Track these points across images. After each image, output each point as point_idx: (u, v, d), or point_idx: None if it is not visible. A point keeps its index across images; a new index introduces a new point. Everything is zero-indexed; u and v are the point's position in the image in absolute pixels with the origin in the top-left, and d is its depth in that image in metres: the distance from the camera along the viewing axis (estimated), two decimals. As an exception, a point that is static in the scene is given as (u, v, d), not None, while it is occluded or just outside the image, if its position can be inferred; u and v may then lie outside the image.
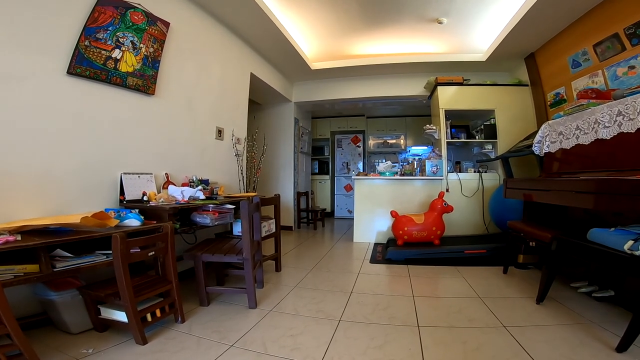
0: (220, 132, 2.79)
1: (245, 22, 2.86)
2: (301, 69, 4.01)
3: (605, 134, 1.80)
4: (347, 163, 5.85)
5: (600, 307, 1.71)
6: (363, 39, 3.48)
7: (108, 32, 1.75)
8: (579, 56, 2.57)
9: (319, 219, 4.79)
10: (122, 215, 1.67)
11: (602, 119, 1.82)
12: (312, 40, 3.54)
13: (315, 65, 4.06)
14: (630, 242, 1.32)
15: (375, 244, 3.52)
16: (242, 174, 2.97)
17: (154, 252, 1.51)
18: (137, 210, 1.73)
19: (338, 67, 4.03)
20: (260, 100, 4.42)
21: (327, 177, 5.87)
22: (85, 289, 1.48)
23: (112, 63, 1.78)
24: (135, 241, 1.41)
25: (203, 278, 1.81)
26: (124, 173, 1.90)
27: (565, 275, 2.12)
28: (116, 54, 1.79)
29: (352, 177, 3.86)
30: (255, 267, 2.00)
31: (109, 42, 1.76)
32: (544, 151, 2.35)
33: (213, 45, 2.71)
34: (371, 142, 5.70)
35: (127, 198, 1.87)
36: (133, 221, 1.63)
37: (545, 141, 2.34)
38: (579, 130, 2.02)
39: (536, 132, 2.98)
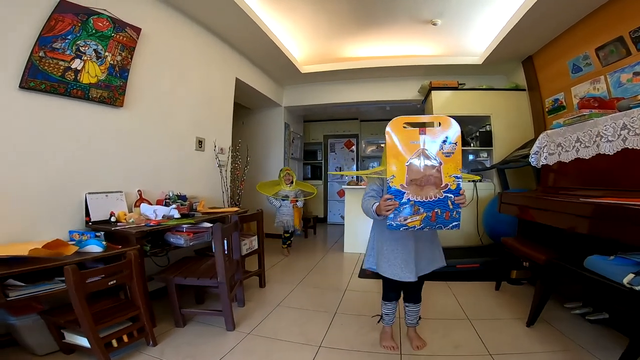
0: (200, 143, 2.65)
1: (228, 25, 2.72)
2: (291, 72, 3.86)
3: (608, 148, 1.66)
4: (341, 168, 5.72)
5: (593, 330, 1.63)
6: (355, 40, 3.34)
7: (67, 41, 1.60)
8: (580, 60, 2.43)
9: (311, 227, 4.67)
10: (85, 238, 1.58)
11: (605, 131, 1.68)
12: (302, 42, 3.40)
13: (305, 68, 3.91)
14: (631, 276, 1.21)
15: (367, 255, 3.40)
16: (225, 185, 2.83)
17: (115, 281, 1.41)
18: (102, 234, 1.62)
19: (329, 70, 3.89)
20: (249, 104, 4.28)
21: (320, 182, 5.74)
22: (46, 314, 1.40)
23: (72, 74, 1.63)
24: (91, 272, 1.32)
25: (177, 300, 1.73)
26: (89, 193, 1.76)
27: (559, 293, 2.01)
28: (76, 64, 1.65)
29: (343, 186, 3.73)
30: (234, 288, 1.93)
31: (68, 52, 1.61)
32: (541, 163, 2.22)
33: (192, 50, 2.56)
34: (365, 147, 5.57)
35: (92, 219, 1.75)
36: (94, 247, 1.51)
37: (543, 152, 2.20)
38: (579, 143, 1.88)
39: (533, 140, 2.86)
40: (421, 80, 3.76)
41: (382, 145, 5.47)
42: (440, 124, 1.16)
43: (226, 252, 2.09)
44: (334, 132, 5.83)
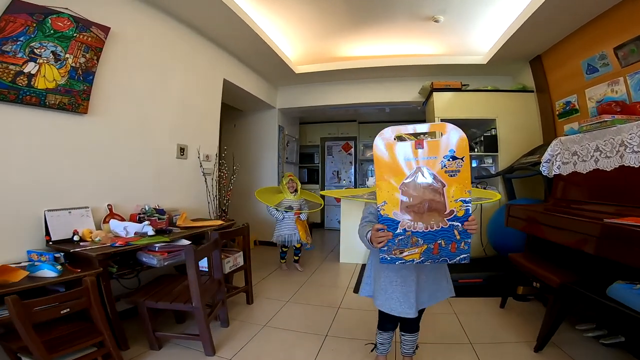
0: (182, 151, 2.45)
1: (213, 23, 2.53)
2: (284, 72, 3.67)
3: (634, 160, 1.47)
4: (338, 172, 5.53)
5: (608, 355, 1.49)
6: (351, 39, 3.15)
7: (19, 42, 1.42)
8: (596, 60, 2.22)
9: (307, 234, 4.47)
10: (43, 259, 1.43)
11: (630, 141, 1.48)
12: (295, 41, 3.21)
13: (299, 68, 3.72)
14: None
15: (363, 266, 3.21)
16: (211, 195, 2.64)
17: (68, 310, 1.29)
18: (62, 255, 1.47)
19: (325, 70, 3.68)
20: (241, 106, 4.09)
21: (317, 186, 5.55)
22: (0, 339, 1.30)
23: (25, 79, 1.45)
24: (39, 301, 1.20)
25: (149, 323, 1.61)
26: (48, 210, 1.58)
27: (570, 313, 1.84)
28: (30, 68, 1.46)
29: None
30: (216, 308, 1.81)
31: (20, 55, 1.43)
32: (553, 172, 2.02)
33: (173, 50, 2.37)
34: (363, 149, 5.38)
35: (53, 238, 1.59)
36: (47, 272, 1.37)
37: (556, 161, 2.01)
38: (598, 152, 1.69)
39: (542, 146, 2.66)
40: (422, 81, 3.57)
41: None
42: (442, 134, 0.92)
43: (206, 270, 1.95)
44: (332, 134, 5.64)
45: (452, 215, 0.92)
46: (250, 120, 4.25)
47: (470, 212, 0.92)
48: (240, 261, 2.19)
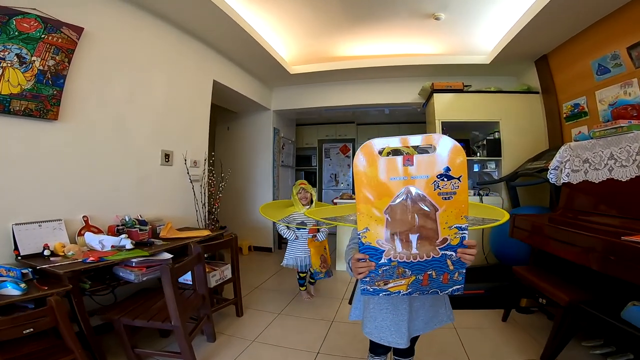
0: (167, 157, 2.34)
1: (201, 23, 2.41)
2: (278, 73, 3.54)
3: (652, 171, 1.33)
4: (336, 175, 5.41)
5: None
6: (348, 38, 3.02)
7: (-22, 43, 1.32)
8: (607, 60, 2.07)
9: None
10: (10, 274, 1.34)
11: (648, 149, 1.35)
12: (289, 41, 3.09)
13: (294, 69, 3.59)
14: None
15: (361, 275, 3.08)
16: (200, 203, 2.53)
17: (32, 329, 1.21)
18: (29, 271, 1.40)
19: (321, 70, 3.55)
20: (234, 108, 3.97)
21: (314, 189, 5.43)
22: None
23: (-15, 84, 1.34)
24: None
25: (127, 341, 1.54)
26: (16, 224, 1.49)
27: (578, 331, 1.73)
28: (-8, 71, 1.36)
29: (334, 200, 3.40)
30: (200, 323, 1.72)
31: (-21, 57, 1.33)
32: (562, 180, 1.89)
33: (156, 51, 2.25)
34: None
35: (22, 253, 1.50)
36: (10, 290, 1.28)
37: (565, 168, 1.87)
38: (613, 161, 1.56)
39: (548, 151, 2.53)
40: (422, 82, 3.43)
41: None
42: (435, 147, 0.76)
43: (190, 284, 1.84)
44: (329, 136, 5.52)
45: (445, 244, 0.79)
46: (244, 123, 4.13)
47: (467, 238, 0.79)
48: (228, 274, 2.08)
